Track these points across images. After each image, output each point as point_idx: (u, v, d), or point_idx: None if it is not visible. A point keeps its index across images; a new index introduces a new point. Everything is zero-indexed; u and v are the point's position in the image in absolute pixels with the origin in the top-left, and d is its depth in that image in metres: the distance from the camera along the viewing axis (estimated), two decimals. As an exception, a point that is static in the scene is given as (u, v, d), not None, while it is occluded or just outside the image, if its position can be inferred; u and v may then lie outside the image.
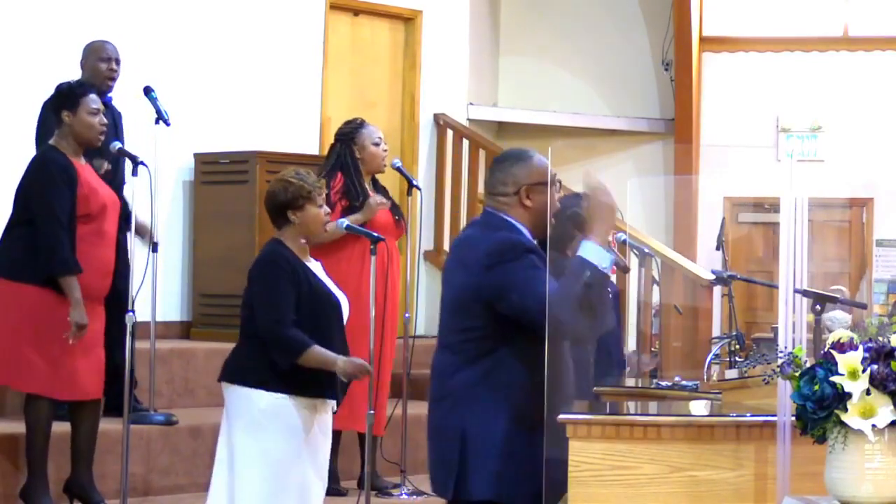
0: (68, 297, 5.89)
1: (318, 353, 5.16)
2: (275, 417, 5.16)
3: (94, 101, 6.12)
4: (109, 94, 7.14)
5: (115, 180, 6.67)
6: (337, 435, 6.97)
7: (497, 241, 4.33)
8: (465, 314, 4.37)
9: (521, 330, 4.23)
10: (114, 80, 7.17)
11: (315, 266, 5.39)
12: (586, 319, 4.25)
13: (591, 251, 4.19)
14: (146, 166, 6.50)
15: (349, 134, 7.17)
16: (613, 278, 4.92)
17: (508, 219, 4.37)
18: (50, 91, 6.41)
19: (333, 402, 5.35)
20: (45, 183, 5.99)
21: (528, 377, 4.22)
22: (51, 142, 6.12)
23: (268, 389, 5.16)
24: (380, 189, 7.24)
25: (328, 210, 5.44)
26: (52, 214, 5.92)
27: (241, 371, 5.24)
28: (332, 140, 7.42)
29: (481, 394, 4.31)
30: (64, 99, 6.12)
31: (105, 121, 6.17)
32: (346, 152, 7.12)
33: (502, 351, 4.29)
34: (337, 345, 5.27)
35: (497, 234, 4.36)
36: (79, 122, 6.07)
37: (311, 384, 5.20)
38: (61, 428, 6.28)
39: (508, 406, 4.27)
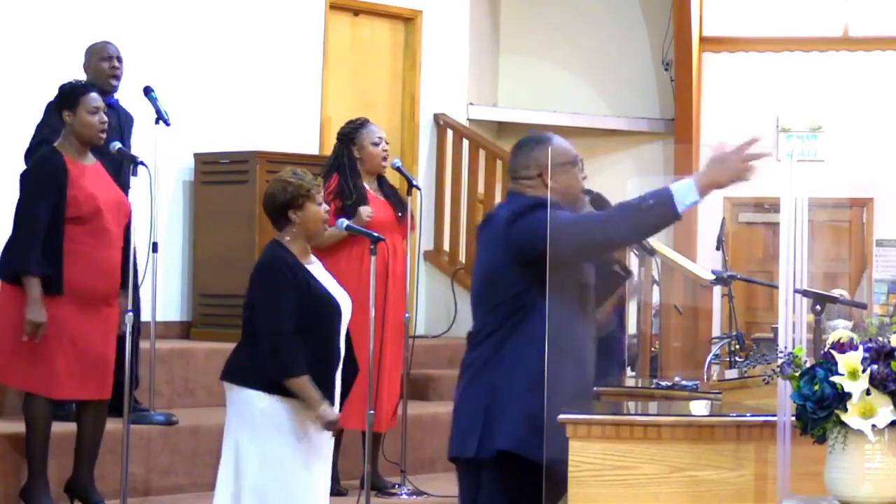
0: (27, 296, 5.93)
1: (307, 386, 5.13)
2: (274, 419, 5.16)
3: (93, 99, 6.13)
4: (115, 96, 7.13)
5: (118, 180, 6.67)
6: (339, 434, 6.97)
7: (519, 204, 4.42)
8: (492, 291, 4.45)
9: (543, 294, 4.25)
10: (117, 78, 7.17)
11: (316, 267, 5.38)
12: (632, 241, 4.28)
13: (682, 188, 4.18)
14: (146, 166, 6.51)
15: (349, 134, 7.17)
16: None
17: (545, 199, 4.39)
18: (52, 92, 6.42)
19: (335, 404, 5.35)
20: (26, 184, 6.06)
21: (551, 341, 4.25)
22: (56, 144, 6.15)
23: (267, 391, 5.17)
24: (386, 187, 7.22)
25: (327, 208, 5.44)
26: (21, 216, 6.01)
27: (241, 372, 5.24)
28: (332, 140, 7.43)
29: (505, 358, 4.36)
30: (64, 99, 6.15)
31: (105, 119, 6.17)
32: (345, 152, 7.13)
33: (525, 317, 4.33)
34: (336, 348, 5.26)
35: (511, 202, 4.47)
36: (78, 122, 6.10)
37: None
38: (63, 428, 6.28)
39: (530, 369, 4.27)
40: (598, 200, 4.61)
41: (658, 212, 4.22)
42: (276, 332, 5.13)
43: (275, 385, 5.15)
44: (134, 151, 6.63)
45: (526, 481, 4.25)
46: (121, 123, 7.01)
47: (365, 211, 6.94)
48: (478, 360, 4.47)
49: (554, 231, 4.22)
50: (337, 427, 5.30)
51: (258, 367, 5.17)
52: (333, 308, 5.28)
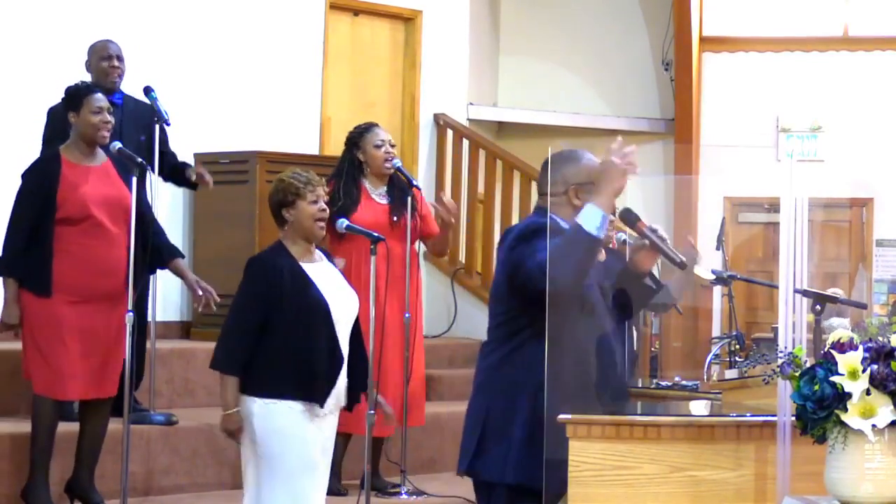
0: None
1: (227, 386, 5.21)
2: (268, 422, 5.20)
3: (97, 100, 6.16)
4: (119, 93, 7.13)
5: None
6: (347, 436, 6.97)
7: (524, 225, 4.43)
8: (498, 302, 4.47)
9: (536, 319, 4.24)
10: (118, 77, 7.17)
11: (318, 266, 5.38)
12: (578, 279, 4.23)
13: (585, 213, 4.18)
14: (146, 167, 6.51)
15: (353, 138, 7.21)
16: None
17: (555, 217, 4.38)
18: (52, 92, 6.43)
19: (335, 406, 5.34)
20: (20, 186, 6.12)
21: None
22: (61, 147, 6.18)
23: (258, 396, 5.21)
24: (395, 190, 7.20)
25: (323, 207, 5.42)
26: (14, 219, 6.06)
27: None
28: (332, 140, 7.44)
29: (505, 375, 4.36)
30: (69, 100, 6.20)
31: (109, 119, 6.19)
32: (349, 157, 7.17)
33: (527, 332, 4.33)
34: (321, 350, 5.24)
35: (527, 219, 4.45)
36: (82, 122, 6.13)
37: (299, 388, 5.21)
38: (67, 428, 6.29)
39: (530, 387, 4.28)
40: (626, 213, 4.58)
41: (578, 245, 4.19)
42: (228, 328, 5.25)
43: (266, 386, 5.18)
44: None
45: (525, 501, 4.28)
46: (123, 121, 7.00)
47: (339, 264, 6.96)
48: (481, 373, 4.52)
49: (532, 269, 4.23)
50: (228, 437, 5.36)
51: (254, 369, 5.21)
52: (321, 309, 5.26)
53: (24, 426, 6.31)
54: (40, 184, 6.04)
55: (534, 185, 9.92)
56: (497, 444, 4.36)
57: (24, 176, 6.17)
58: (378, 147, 7.14)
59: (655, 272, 4.72)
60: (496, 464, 4.36)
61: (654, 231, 4.52)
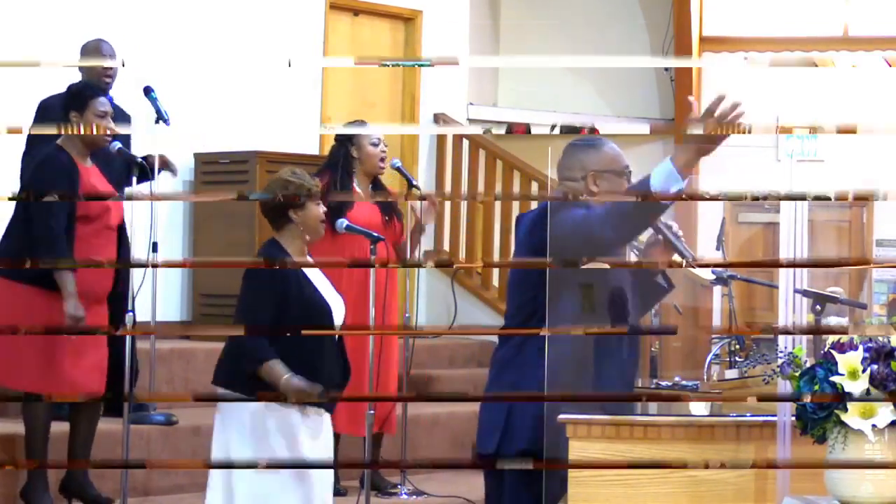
0: (62, 292, 5.89)
1: (273, 368, 5.10)
2: (261, 422, 5.19)
3: (102, 103, 6.15)
4: (110, 96, 7.13)
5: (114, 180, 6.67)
6: (336, 437, 6.95)
7: (541, 207, 4.41)
8: (519, 288, 4.45)
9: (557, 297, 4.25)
10: (110, 77, 7.16)
11: (311, 269, 5.37)
12: (633, 234, 4.26)
13: (661, 174, 4.06)
14: (146, 166, 6.51)
15: (347, 135, 7.18)
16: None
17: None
18: (50, 91, 6.40)
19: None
20: (45, 183, 6.02)
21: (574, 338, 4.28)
22: (58, 142, 6.14)
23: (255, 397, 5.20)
24: (380, 189, 7.21)
25: (324, 208, 5.42)
26: (49, 213, 5.96)
27: (229, 375, 5.26)
28: (331, 140, 7.42)
29: (526, 355, 4.34)
30: (72, 99, 6.16)
31: (112, 125, 6.18)
32: (342, 153, 7.14)
33: (543, 319, 4.32)
34: (325, 350, 5.23)
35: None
36: (85, 124, 6.09)
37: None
38: (61, 428, 6.28)
39: (544, 373, 4.28)
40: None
41: (645, 209, 4.18)
42: (240, 337, 5.21)
43: (254, 387, 5.16)
44: (134, 151, 6.62)
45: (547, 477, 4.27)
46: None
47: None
48: (502, 358, 4.52)
49: (569, 230, 4.24)
50: (308, 397, 5.29)
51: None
52: (323, 311, 5.25)
53: (18, 426, 6.29)
54: (58, 178, 5.97)
55: (534, 185, 9.94)
56: (525, 417, 4.33)
57: (37, 171, 6.08)
58: (375, 145, 7.12)
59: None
60: (525, 435, 4.33)
61: (668, 227, 4.51)
